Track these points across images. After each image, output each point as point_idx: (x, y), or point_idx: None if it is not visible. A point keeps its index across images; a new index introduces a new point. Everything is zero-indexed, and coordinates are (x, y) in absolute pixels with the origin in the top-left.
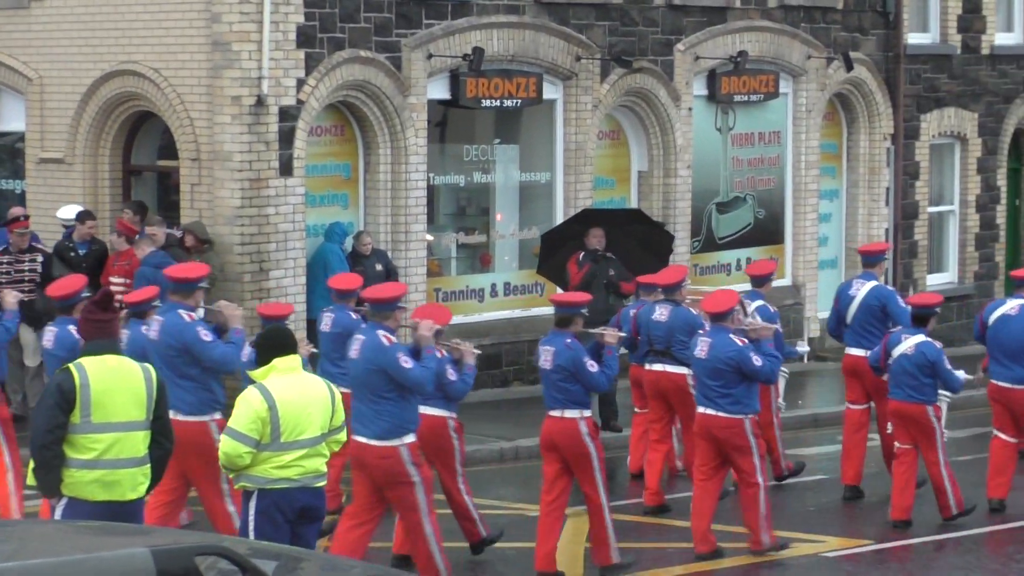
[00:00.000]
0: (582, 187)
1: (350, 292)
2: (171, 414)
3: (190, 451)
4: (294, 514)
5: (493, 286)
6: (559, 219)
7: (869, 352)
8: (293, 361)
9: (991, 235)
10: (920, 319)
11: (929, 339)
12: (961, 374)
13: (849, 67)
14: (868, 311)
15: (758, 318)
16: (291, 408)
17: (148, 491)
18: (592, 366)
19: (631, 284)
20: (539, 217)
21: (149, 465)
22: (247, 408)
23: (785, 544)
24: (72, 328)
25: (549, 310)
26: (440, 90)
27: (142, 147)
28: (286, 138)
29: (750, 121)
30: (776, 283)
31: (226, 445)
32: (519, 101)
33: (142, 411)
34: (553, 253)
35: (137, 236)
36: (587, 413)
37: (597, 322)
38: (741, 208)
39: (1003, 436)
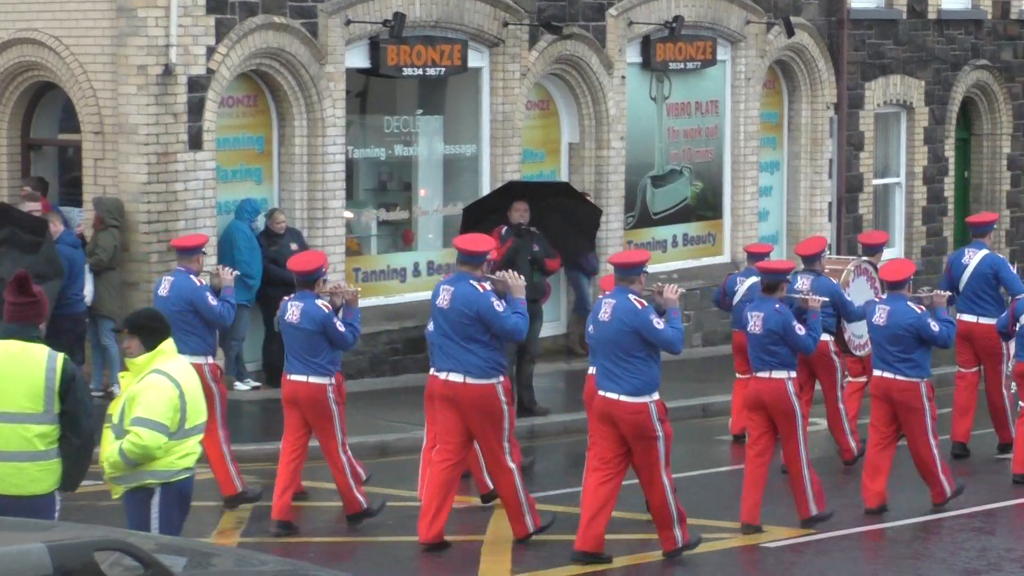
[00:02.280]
0: (510, 160)
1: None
2: (461, 377)
3: (479, 412)
4: (185, 504)
5: (416, 265)
6: (485, 194)
7: (981, 318)
8: (172, 344)
9: (939, 208)
10: None
11: None
12: None
13: (790, 33)
14: (981, 279)
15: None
16: (191, 392)
17: (66, 486)
18: (800, 329)
19: (555, 261)
20: (464, 192)
21: (55, 460)
22: (163, 396)
23: (961, 488)
24: (319, 302)
25: None
26: (359, 58)
27: (42, 120)
28: (195, 109)
29: (686, 90)
30: (715, 260)
31: (148, 438)
32: (443, 69)
33: (38, 403)
34: (473, 227)
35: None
36: (793, 374)
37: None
38: (677, 181)
39: None
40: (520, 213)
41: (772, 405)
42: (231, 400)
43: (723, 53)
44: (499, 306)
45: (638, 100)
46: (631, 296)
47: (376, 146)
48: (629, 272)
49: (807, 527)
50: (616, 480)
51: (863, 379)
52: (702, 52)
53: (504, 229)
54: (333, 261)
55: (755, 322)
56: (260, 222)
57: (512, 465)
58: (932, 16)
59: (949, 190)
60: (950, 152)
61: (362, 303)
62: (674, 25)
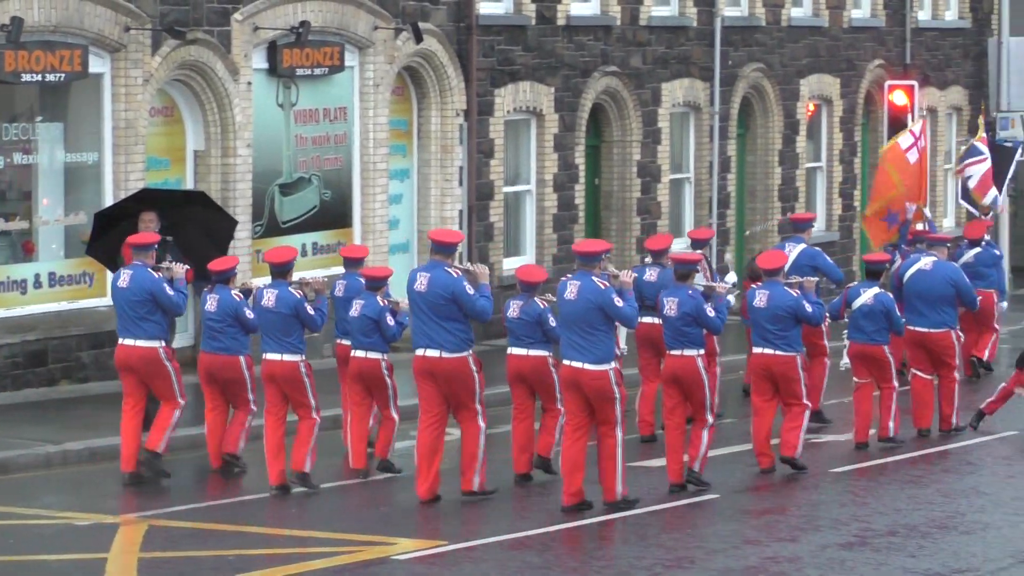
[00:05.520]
0: (133, 168)
1: (359, 260)
2: (437, 352)
3: (454, 381)
4: None
5: (37, 277)
6: (108, 203)
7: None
8: None
9: (570, 216)
10: (874, 274)
11: (883, 290)
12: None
13: (418, 38)
14: (800, 270)
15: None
16: None
17: None
18: (711, 311)
19: (189, 271)
20: (87, 201)
21: None
22: None
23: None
24: (291, 288)
25: (100, 302)
26: None
27: None
28: None
29: (314, 96)
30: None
31: None
32: (63, 75)
33: None
34: (104, 233)
35: None
36: (702, 351)
37: None
38: (306, 189)
39: (921, 374)
40: (151, 223)
41: (684, 378)
42: None
43: (351, 59)
44: (470, 289)
45: (265, 107)
46: (594, 278)
47: None
48: (592, 259)
49: (689, 478)
50: (586, 439)
51: None
52: (329, 58)
53: None
54: None
55: (670, 306)
56: None
57: (483, 424)
58: (561, 22)
59: (580, 197)
60: (580, 159)
61: None
62: (300, 31)
